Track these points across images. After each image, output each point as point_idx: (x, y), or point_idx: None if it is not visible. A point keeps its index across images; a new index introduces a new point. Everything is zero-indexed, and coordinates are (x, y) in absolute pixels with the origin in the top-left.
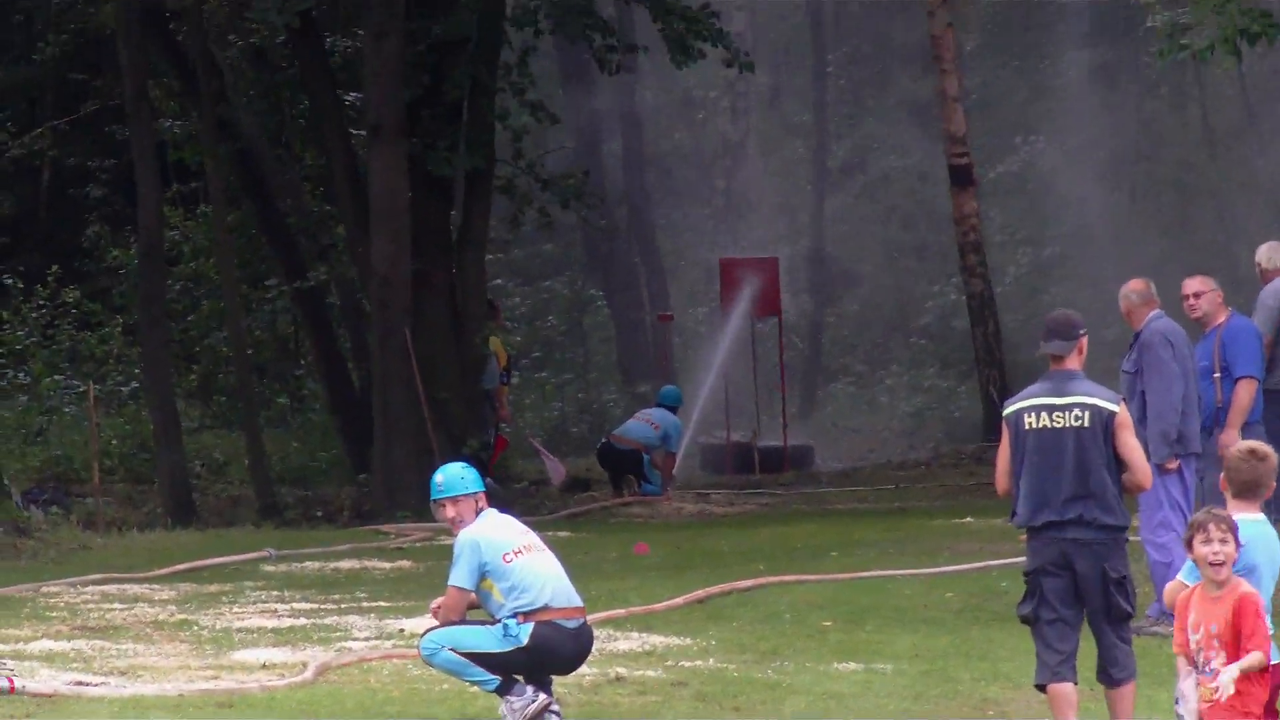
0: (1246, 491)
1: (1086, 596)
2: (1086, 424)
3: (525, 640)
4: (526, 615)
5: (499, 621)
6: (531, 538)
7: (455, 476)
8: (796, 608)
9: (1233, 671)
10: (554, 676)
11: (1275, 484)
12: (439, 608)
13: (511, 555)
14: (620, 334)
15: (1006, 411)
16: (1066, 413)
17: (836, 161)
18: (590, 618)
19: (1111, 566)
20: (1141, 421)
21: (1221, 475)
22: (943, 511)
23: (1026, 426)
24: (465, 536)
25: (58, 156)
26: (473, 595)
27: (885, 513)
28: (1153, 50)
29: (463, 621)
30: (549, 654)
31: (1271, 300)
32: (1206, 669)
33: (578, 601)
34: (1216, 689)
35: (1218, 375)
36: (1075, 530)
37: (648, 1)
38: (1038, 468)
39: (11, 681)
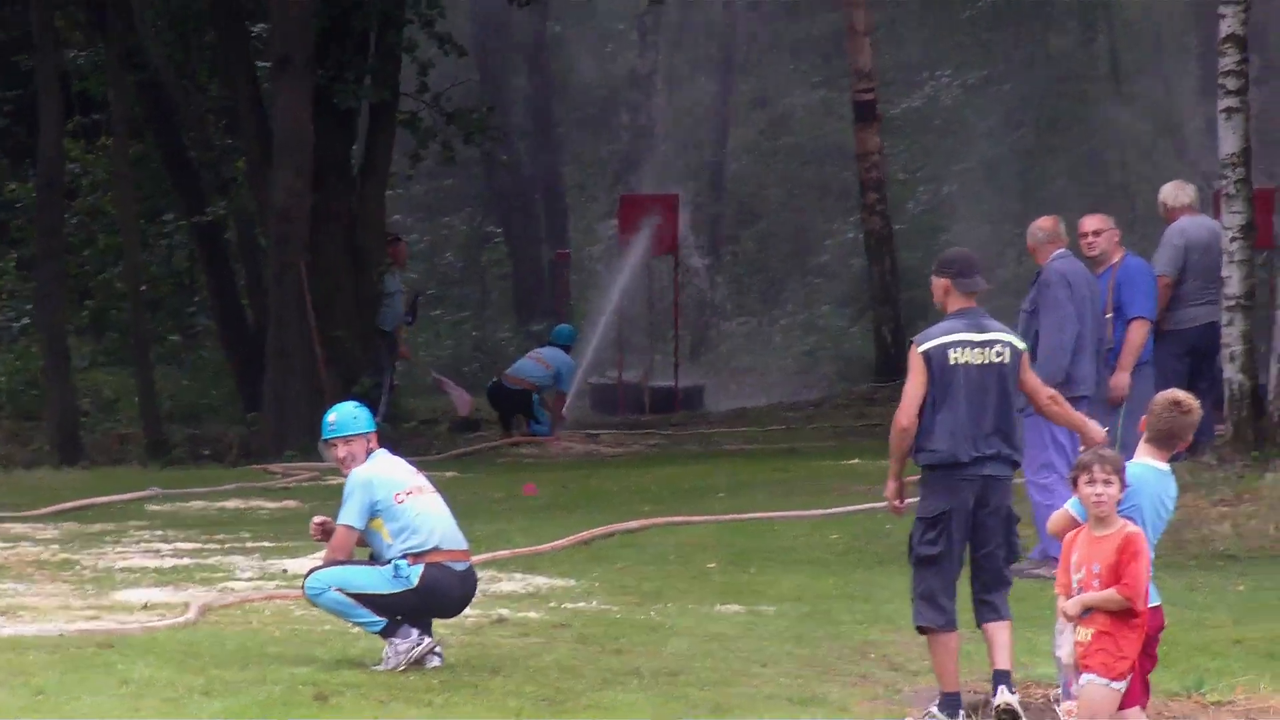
0: (1161, 440)
1: (986, 535)
2: (1008, 360)
3: (415, 582)
4: (416, 556)
5: (387, 562)
6: (421, 479)
7: (348, 416)
8: (681, 549)
9: (1075, 602)
10: (438, 619)
11: (1192, 438)
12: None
13: (403, 495)
14: (517, 271)
15: (925, 347)
16: (988, 349)
17: (742, 97)
18: (475, 559)
19: (1011, 505)
20: (1034, 361)
21: (1143, 417)
22: (831, 453)
23: (952, 362)
24: (357, 475)
25: None
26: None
27: (774, 454)
28: None
29: (350, 561)
30: (437, 596)
31: (1177, 239)
32: (1085, 611)
33: (464, 544)
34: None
35: (1110, 315)
36: (993, 466)
37: None
38: (964, 403)
39: None
